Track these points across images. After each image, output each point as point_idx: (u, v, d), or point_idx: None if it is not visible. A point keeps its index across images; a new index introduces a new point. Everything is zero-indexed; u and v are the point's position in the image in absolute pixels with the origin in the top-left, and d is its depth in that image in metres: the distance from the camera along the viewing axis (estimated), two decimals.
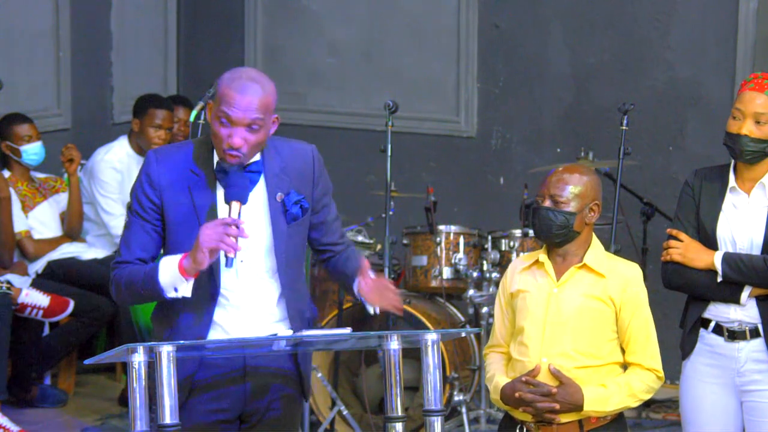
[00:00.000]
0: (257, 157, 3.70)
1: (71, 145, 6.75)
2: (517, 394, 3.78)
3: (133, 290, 3.63)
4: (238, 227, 3.52)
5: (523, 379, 3.79)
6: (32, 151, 6.60)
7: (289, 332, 3.63)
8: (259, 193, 3.70)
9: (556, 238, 3.83)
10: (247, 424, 3.78)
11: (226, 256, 3.54)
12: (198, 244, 3.51)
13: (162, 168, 3.67)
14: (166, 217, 3.66)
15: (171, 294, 3.58)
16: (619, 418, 3.87)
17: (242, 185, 3.61)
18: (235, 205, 3.58)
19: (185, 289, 3.58)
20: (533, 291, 3.86)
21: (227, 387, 3.71)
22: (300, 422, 3.98)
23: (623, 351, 3.86)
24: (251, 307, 3.71)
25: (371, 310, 3.78)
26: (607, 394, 3.78)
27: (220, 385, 3.70)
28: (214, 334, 3.69)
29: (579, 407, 3.76)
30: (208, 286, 3.66)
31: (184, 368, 3.59)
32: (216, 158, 3.67)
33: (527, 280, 3.89)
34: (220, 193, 3.67)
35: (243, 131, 3.59)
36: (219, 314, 3.69)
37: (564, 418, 3.78)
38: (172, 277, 3.56)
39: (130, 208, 3.71)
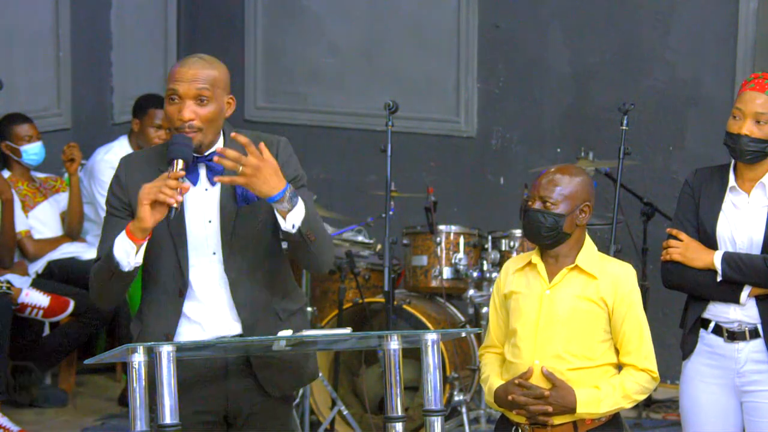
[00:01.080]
0: (219, 145, 3.69)
1: (73, 144, 6.75)
2: (509, 397, 3.78)
3: (98, 277, 3.62)
4: (179, 180, 3.50)
5: (516, 381, 3.79)
6: (32, 151, 6.60)
7: (289, 332, 3.63)
8: (219, 185, 3.69)
9: (545, 240, 3.82)
10: (233, 426, 3.78)
11: (169, 209, 3.51)
12: (138, 200, 3.50)
13: (130, 170, 3.69)
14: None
15: (127, 267, 3.55)
16: (614, 419, 3.86)
17: (184, 143, 3.59)
18: (177, 162, 3.56)
19: (137, 256, 3.55)
20: (526, 292, 3.86)
21: (208, 387, 3.71)
22: (291, 419, 3.97)
23: (617, 352, 3.86)
24: (222, 302, 3.70)
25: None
26: (600, 395, 3.77)
27: (201, 385, 3.70)
28: (187, 327, 3.69)
29: (572, 409, 3.75)
30: (175, 281, 3.66)
31: None
32: None
33: (520, 282, 3.88)
34: (190, 189, 3.65)
35: (192, 104, 3.59)
36: (190, 307, 3.69)
37: (558, 420, 3.77)
38: (124, 246, 3.54)
39: (105, 213, 3.73)
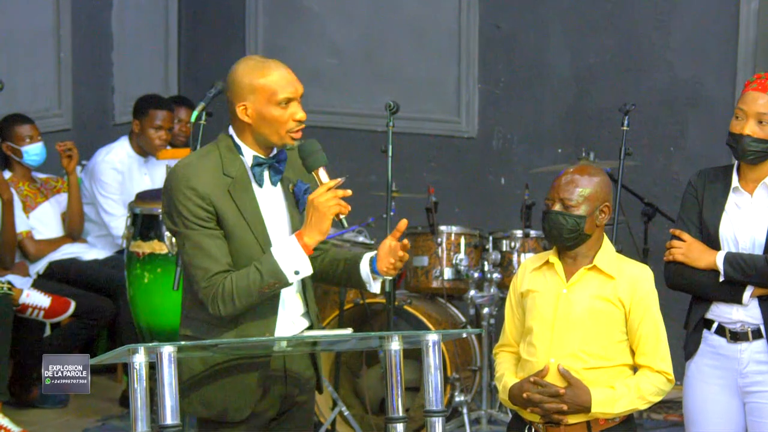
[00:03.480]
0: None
1: (69, 142, 6.74)
2: (525, 395, 3.78)
3: (251, 295, 3.59)
4: (340, 187, 3.63)
5: (532, 379, 3.79)
6: (33, 152, 6.61)
7: (295, 332, 3.64)
8: (278, 185, 3.76)
9: (567, 242, 3.82)
10: (277, 419, 3.82)
11: (340, 219, 3.63)
12: (320, 214, 3.59)
13: (201, 179, 3.64)
14: (222, 223, 3.65)
15: (293, 278, 3.62)
16: (628, 420, 3.87)
17: (316, 150, 3.69)
18: (322, 171, 3.67)
19: (307, 268, 3.63)
20: (543, 291, 3.86)
21: (269, 388, 3.74)
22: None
23: (633, 353, 3.85)
24: (290, 299, 3.75)
25: (371, 287, 3.80)
26: (615, 396, 3.78)
27: (262, 387, 3.73)
28: (280, 325, 3.72)
29: (587, 408, 3.75)
30: None
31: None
32: (247, 158, 3.70)
33: (537, 281, 3.89)
34: (258, 191, 3.70)
35: (298, 105, 3.69)
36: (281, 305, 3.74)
37: (572, 419, 3.78)
38: (296, 260, 3.60)
39: (185, 228, 3.62)
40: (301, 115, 3.67)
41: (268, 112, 3.65)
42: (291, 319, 3.76)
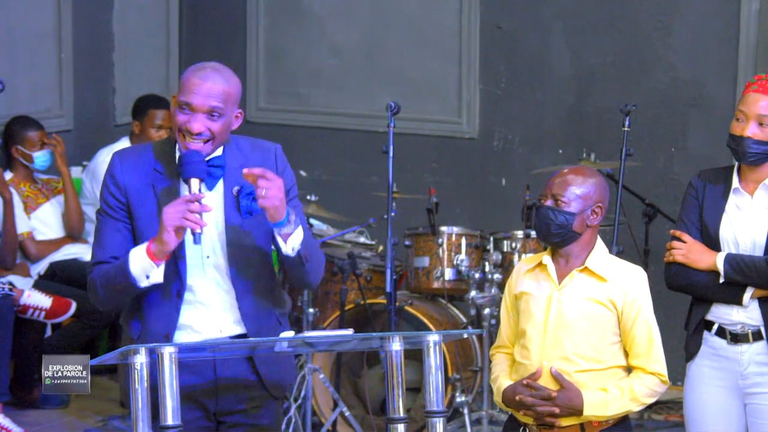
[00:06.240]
0: (219, 152, 3.69)
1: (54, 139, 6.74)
2: (517, 398, 3.79)
3: (108, 287, 3.62)
4: (199, 202, 3.52)
5: (524, 382, 3.80)
6: (44, 158, 6.64)
7: (291, 332, 3.64)
8: (218, 188, 3.70)
9: (554, 237, 3.82)
10: (224, 424, 3.76)
11: (192, 234, 3.53)
12: (162, 224, 3.51)
13: (125, 168, 3.68)
14: (133, 216, 3.66)
15: (143, 283, 3.58)
16: (623, 421, 3.87)
17: (198, 161, 3.59)
18: (194, 181, 3.58)
19: (156, 276, 3.58)
20: (535, 294, 3.86)
21: (201, 398, 3.70)
22: (282, 422, 3.98)
23: (627, 354, 3.85)
24: (216, 305, 3.70)
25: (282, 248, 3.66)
26: (608, 398, 3.77)
27: (193, 395, 3.68)
28: (183, 334, 3.67)
29: (579, 411, 3.76)
30: (174, 283, 3.65)
31: None
32: (178, 154, 3.68)
33: (530, 283, 3.89)
34: (183, 187, 3.66)
35: (203, 118, 3.59)
36: (187, 312, 3.68)
37: (565, 422, 3.78)
38: (142, 264, 3.56)
39: (99, 212, 3.72)
40: (192, 126, 3.56)
41: (173, 110, 3.63)
42: (218, 327, 3.69)
